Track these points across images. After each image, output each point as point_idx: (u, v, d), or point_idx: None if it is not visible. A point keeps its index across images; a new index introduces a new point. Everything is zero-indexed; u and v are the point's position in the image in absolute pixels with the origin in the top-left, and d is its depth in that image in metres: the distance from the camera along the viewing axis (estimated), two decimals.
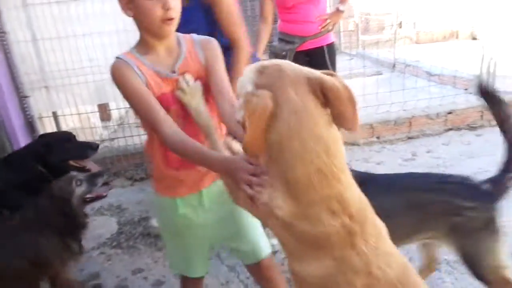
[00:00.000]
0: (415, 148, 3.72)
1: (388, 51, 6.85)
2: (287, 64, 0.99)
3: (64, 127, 3.68)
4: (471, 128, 3.99)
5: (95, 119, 4.00)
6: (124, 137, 3.80)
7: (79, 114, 3.69)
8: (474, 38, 8.39)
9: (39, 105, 3.48)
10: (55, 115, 3.64)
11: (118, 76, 1.25)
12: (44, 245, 1.81)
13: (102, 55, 3.19)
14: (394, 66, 6.44)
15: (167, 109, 1.26)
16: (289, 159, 0.93)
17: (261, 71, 0.97)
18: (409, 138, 3.95)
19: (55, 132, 3.13)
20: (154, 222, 2.75)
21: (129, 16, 1.25)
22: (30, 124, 3.40)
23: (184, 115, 1.31)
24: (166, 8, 1.19)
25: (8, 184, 2.01)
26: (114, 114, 4.57)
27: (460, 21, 8.48)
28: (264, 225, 1.30)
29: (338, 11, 2.92)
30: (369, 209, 1.03)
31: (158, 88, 1.28)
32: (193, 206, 1.41)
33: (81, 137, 3.69)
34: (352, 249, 0.97)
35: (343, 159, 0.98)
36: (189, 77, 1.30)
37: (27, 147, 2.28)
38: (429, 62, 5.72)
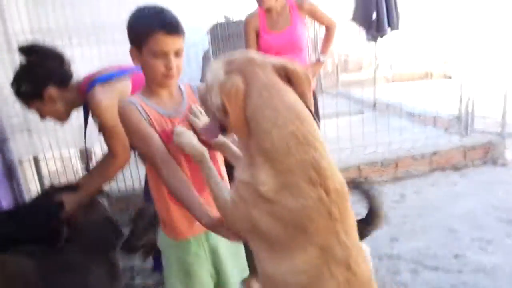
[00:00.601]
0: (403, 190, 3.74)
1: (368, 90, 7.01)
2: (253, 52, 1.13)
3: (45, 171, 3.54)
4: (456, 168, 4.06)
5: (78, 162, 3.87)
6: None
7: (61, 157, 3.56)
8: (447, 77, 8.73)
9: (19, 148, 3.35)
10: (36, 159, 3.50)
11: (124, 116, 1.36)
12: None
13: None
14: (374, 105, 6.59)
15: (167, 144, 1.35)
16: (265, 128, 1.00)
17: (229, 62, 1.09)
18: (396, 179, 3.98)
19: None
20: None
21: (137, 65, 1.40)
22: (9, 169, 3.25)
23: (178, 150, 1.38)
24: (168, 68, 1.34)
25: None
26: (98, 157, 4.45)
27: (433, 61, 8.85)
28: (248, 234, 1.17)
29: (319, 62, 3.01)
30: (348, 198, 1.05)
31: (160, 125, 1.37)
32: (203, 244, 1.48)
33: (63, 181, 3.56)
34: (335, 237, 1.00)
35: (317, 130, 1.04)
36: (198, 108, 1.43)
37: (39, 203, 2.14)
38: (408, 102, 5.88)
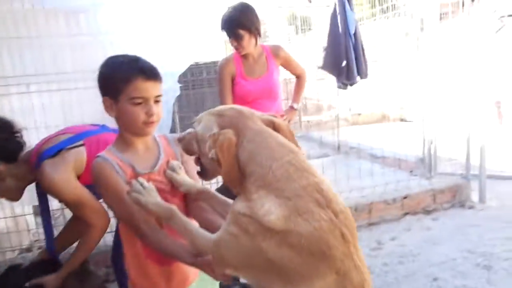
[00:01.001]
0: (379, 236, 3.68)
1: (329, 133, 7.13)
2: (242, 107, 1.22)
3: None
4: (426, 212, 4.09)
5: (32, 220, 3.51)
6: None
7: (14, 216, 3.21)
8: (404, 120, 9.11)
9: None
10: None
11: (100, 176, 1.33)
12: None
13: None
14: (338, 148, 6.67)
15: None
16: (264, 164, 1.06)
17: (220, 115, 1.18)
18: (370, 224, 3.93)
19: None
20: None
21: (111, 116, 1.37)
22: None
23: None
24: (149, 115, 1.32)
25: None
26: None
27: (389, 105, 9.22)
28: (246, 270, 1.13)
29: (292, 109, 3.02)
30: (353, 219, 1.08)
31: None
32: None
33: (15, 241, 3.19)
34: (351, 260, 1.01)
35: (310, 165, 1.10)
36: (176, 163, 1.43)
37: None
38: (371, 144, 5.99)
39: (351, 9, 3.71)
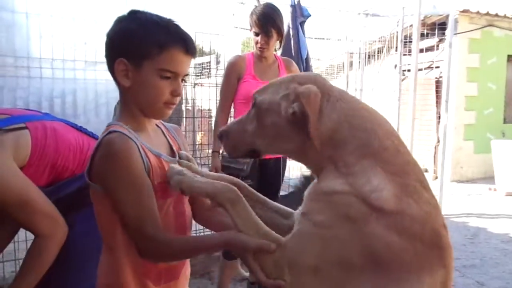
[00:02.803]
0: None
1: None
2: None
3: None
4: None
5: None
6: None
7: None
8: None
9: None
10: None
11: (120, 159, 1.01)
12: None
13: None
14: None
15: (163, 200, 1.09)
16: (367, 127, 0.90)
17: (291, 79, 1.00)
18: None
19: None
20: None
21: (125, 85, 1.07)
22: None
23: (179, 207, 1.16)
24: (175, 94, 1.10)
25: None
26: None
27: None
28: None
29: None
30: None
31: (159, 176, 1.08)
32: None
33: None
34: (452, 255, 0.90)
35: None
36: (186, 153, 1.21)
37: None
38: None
39: (303, 34, 3.73)
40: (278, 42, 2.72)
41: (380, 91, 6.13)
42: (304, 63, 3.69)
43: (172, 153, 1.18)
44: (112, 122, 1.10)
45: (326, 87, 0.95)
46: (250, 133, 1.02)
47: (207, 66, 6.87)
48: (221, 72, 4.15)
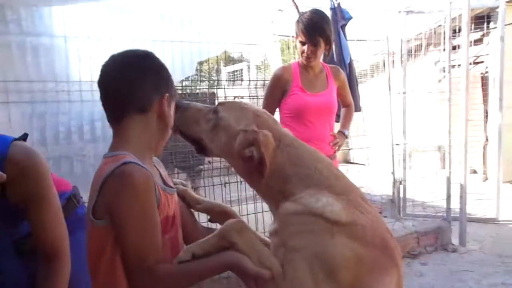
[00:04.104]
0: None
1: None
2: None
3: None
4: (412, 255, 3.86)
5: None
6: None
7: None
8: (348, 162, 9.20)
9: None
10: None
11: (142, 190, 1.03)
12: None
13: None
14: None
15: (163, 234, 1.10)
16: (308, 164, 1.10)
17: (257, 114, 1.18)
18: None
19: None
20: None
21: (165, 117, 1.15)
22: None
23: (175, 241, 1.18)
24: None
25: None
26: None
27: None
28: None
29: (343, 134, 2.74)
30: None
31: (165, 210, 1.12)
32: None
33: None
34: (400, 256, 1.08)
35: None
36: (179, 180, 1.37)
37: None
38: None
39: (345, 37, 3.54)
40: (327, 49, 2.54)
41: (422, 91, 5.83)
42: (347, 68, 3.50)
43: (164, 184, 1.19)
44: (118, 152, 1.09)
45: (279, 134, 1.15)
46: (202, 129, 1.19)
47: (239, 74, 6.78)
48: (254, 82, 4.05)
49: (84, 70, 2.73)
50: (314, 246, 0.97)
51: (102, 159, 1.12)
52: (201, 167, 5.93)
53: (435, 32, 6.97)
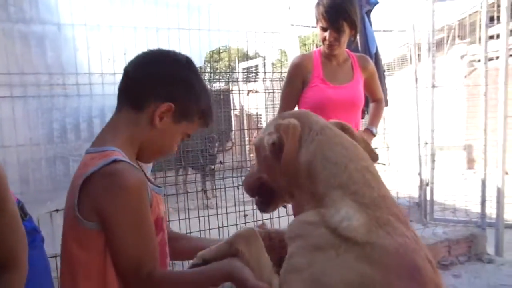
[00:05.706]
0: None
1: None
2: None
3: None
4: (443, 266, 3.51)
5: None
6: None
7: None
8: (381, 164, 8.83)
9: None
10: None
11: (135, 193, 0.99)
12: None
13: None
14: None
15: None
16: (338, 161, 0.94)
17: (279, 117, 1.10)
18: None
19: None
20: None
21: (156, 125, 1.09)
22: None
23: (164, 244, 1.17)
24: (174, 148, 1.19)
25: None
26: None
27: None
28: None
29: (370, 132, 2.42)
30: None
31: (155, 211, 1.10)
32: None
33: None
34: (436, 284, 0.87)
35: None
36: None
37: None
38: None
39: (370, 25, 3.21)
40: (353, 35, 2.23)
41: (449, 86, 5.46)
42: (373, 59, 3.16)
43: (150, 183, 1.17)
44: (106, 148, 1.03)
45: (309, 122, 1.01)
46: (257, 170, 1.09)
47: (255, 70, 6.49)
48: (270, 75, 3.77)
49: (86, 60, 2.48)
50: (315, 265, 0.85)
51: (85, 154, 1.07)
52: (212, 166, 5.72)
53: (460, 24, 6.53)
